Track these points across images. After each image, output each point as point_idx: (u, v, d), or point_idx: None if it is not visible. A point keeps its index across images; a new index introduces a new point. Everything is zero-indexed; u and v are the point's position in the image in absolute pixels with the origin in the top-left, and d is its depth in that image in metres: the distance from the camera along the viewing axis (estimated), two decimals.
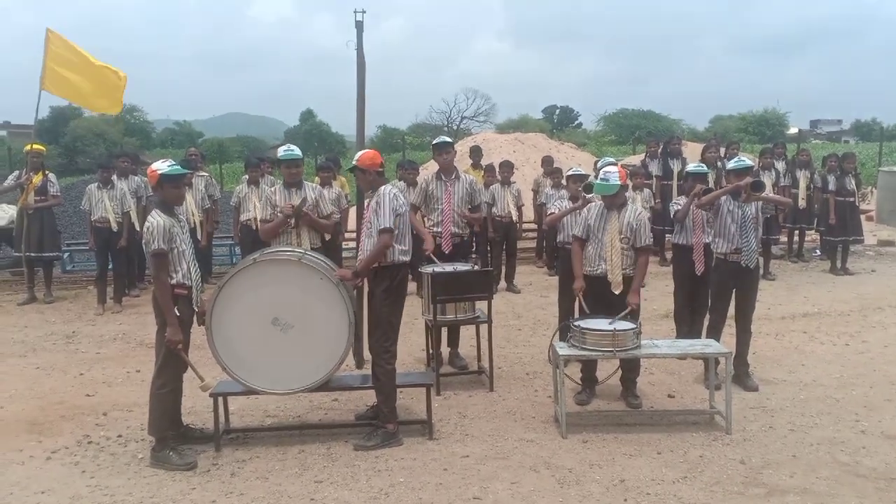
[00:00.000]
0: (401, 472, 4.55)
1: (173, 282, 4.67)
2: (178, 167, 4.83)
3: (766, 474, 4.46)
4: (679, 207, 6.71)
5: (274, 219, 5.82)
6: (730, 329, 6.14)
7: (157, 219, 4.65)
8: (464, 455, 4.78)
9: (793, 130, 41.09)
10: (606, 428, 5.20)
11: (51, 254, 9.83)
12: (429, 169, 12.89)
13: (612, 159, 7.05)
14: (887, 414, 5.40)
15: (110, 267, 9.45)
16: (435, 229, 6.51)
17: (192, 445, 4.92)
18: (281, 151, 6.09)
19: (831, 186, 10.89)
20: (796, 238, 12.00)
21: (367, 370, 5.40)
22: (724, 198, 5.96)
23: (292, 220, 5.76)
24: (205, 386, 4.80)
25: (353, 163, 5.15)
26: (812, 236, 12.33)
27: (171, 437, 4.78)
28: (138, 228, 9.11)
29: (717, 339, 5.79)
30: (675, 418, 5.40)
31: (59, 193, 10.15)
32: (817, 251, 12.12)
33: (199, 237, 9.60)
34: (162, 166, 4.76)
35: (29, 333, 8.16)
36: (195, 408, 5.51)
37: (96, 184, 9.48)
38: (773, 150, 11.75)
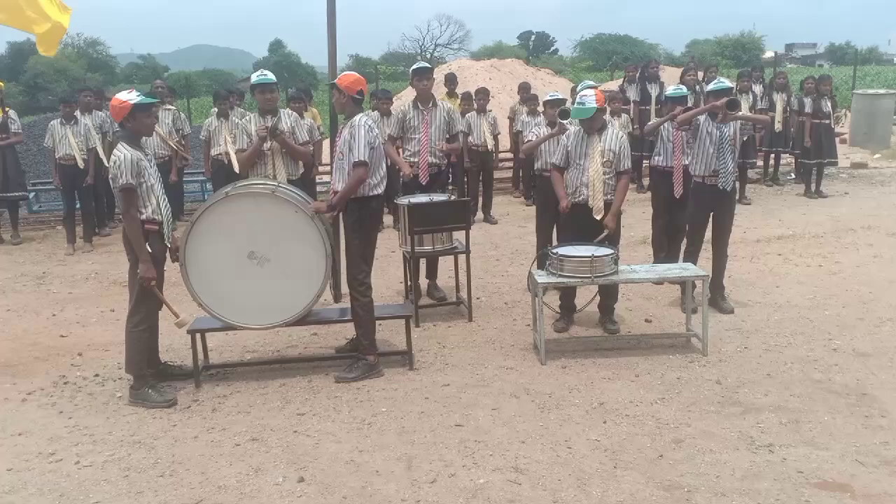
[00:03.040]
0: (383, 402, 4.57)
1: (143, 217, 4.56)
2: (145, 96, 4.73)
3: (742, 393, 4.55)
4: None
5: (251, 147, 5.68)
6: (706, 253, 6.17)
7: (123, 152, 4.51)
8: (444, 384, 4.81)
9: (769, 54, 40.72)
10: (585, 353, 5.25)
11: (16, 193, 9.55)
12: (403, 98, 12.61)
13: (591, 83, 6.90)
14: (858, 332, 5.50)
15: (78, 206, 9.23)
16: (412, 159, 6.38)
17: (172, 382, 4.90)
18: (254, 77, 5.89)
19: (807, 108, 10.86)
20: (772, 162, 12.04)
21: (346, 303, 5.37)
22: (702, 119, 5.89)
23: (268, 145, 5.62)
24: (180, 322, 4.75)
25: (334, 81, 4.97)
26: (787, 160, 12.36)
27: (150, 375, 4.75)
28: (106, 164, 8.86)
29: (695, 263, 5.81)
30: (653, 342, 5.46)
31: (20, 131, 9.81)
32: (792, 174, 12.19)
33: (169, 172, 9.38)
34: (131, 96, 4.63)
35: None
36: (173, 345, 5.47)
37: (59, 119, 9.15)
38: (751, 73, 11.66)
